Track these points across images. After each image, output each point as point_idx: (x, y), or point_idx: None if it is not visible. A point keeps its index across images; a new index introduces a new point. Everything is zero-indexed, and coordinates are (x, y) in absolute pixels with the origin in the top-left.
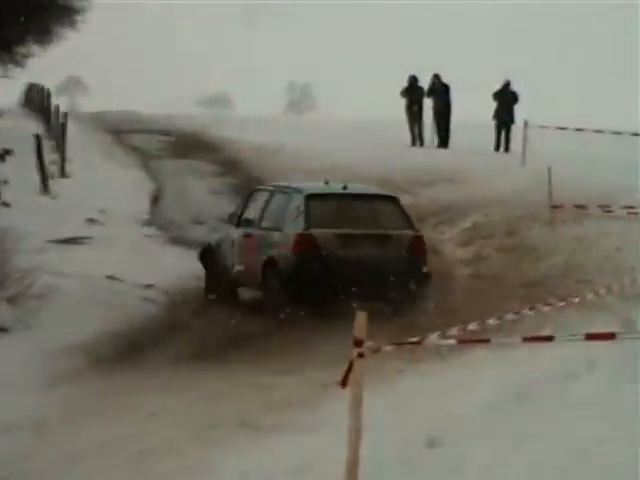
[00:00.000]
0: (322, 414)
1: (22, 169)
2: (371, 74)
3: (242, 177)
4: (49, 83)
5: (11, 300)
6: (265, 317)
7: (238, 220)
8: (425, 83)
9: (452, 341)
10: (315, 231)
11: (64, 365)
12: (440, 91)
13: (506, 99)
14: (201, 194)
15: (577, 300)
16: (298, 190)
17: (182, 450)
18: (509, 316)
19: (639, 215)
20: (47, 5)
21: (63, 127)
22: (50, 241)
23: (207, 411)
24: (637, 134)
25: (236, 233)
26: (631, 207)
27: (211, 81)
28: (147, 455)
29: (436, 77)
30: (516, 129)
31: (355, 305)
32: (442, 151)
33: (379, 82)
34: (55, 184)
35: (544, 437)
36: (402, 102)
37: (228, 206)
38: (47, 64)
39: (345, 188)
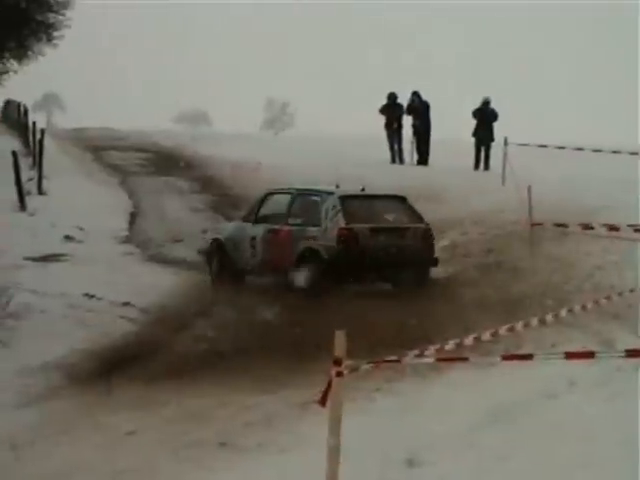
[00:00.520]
0: (302, 433)
1: None
2: (350, 92)
3: (220, 194)
4: (26, 100)
5: None
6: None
7: (255, 218)
8: (404, 100)
9: (430, 359)
10: (354, 225)
11: (41, 383)
12: (420, 108)
13: (485, 116)
14: (180, 211)
15: (554, 319)
16: (329, 192)
17: (159, 470)
18: (488, 335)
19: (620, 233)
20: (24, 21)
21: (40, 144)
22: (27, 258)
23: (186, 430)
24: (618, 152)
25: (256, 229)
26: (613, 226)
27: (190, 98)
28: (124, 475)
29: (415, 94)
30: (496, 147)
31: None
32: (422, 169)
33: (357, 100)
34: (32, 201)
35: (524, 457)
36: (381, 119)
37: (207, 223)
38: (24, 80)
39: (363, 190)
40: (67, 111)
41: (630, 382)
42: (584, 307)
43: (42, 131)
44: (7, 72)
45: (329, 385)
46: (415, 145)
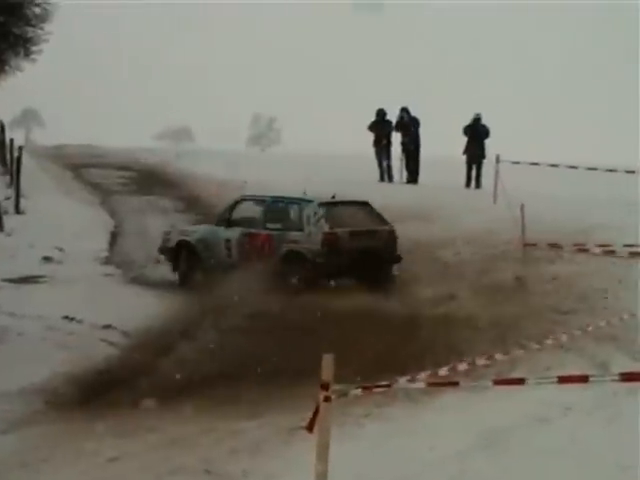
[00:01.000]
0: (289, 459)
1: None
2: (337, 108)
3: (205, 213)
4: (3, 116)
5: None
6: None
7: (228, 222)
8: (393, 117)
9: (421, 384)
10: (336, 230)
11: (19, 409)
12: (409, 125)
13: (477, 133)
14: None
15: (550, 342)
16: (308, 200)
17: None
18: (481, 359)
19: (614, 253)
20: (1, 34)
21: (18, 161)
22: (4, 280)
23: (170, 456)
24: (614, 170)
25: (231, 232)
26: (607, 245)
27: (172, 114)
28: None
29: (405, 110)
30: (488, 164)
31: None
32: (411, 187)
33: (345, 116)
34: (9, 220)
35: None
36: (369, 137)
37: None
38: (1, 96)
39: (334, 197)
40: (46, 128)
41: (627, 406)
42: (583, 330)
43: (20, 148)
44: None
45: (317, 410)
46: (404, 162)
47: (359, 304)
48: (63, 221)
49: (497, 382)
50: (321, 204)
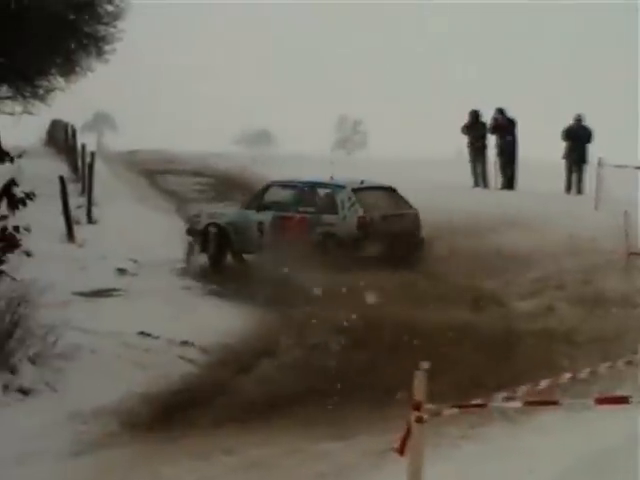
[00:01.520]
0: None
1: (45, 214)
2: (428, 109)
3: None
4: (75, 120)
5: (34, 359)
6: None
7: (259, 206)
8: (488, 118)
9: (518, 403)
10: (369, 214)
11: (93, 430)
12: (505, 127)
13: (578, 136)
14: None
15: None
16: (341, 185)
17: None
18: (582, 375)
19: None
20: (72, 33)
21: (90, 168)
22: (76, 293)
23: None
24: None
25: (263, 215)
26: None
27: (252, 116)
28: None
29: (500, 112)
30: (590, 168)
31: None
32: (507, 193)
33: (436, 118)
34: (81, 230)
35: None
36: (462, 140)
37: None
38: (72, 99)
39: (362, 182)
40: (119, 132)
41: None
42: None
43: (92, 154)
44: (53, 90)
45: (408, 431)
46: (500, 167)
47: (452, 317)
48: (137, 231)
49: (600, 400)
50: (354, 189)
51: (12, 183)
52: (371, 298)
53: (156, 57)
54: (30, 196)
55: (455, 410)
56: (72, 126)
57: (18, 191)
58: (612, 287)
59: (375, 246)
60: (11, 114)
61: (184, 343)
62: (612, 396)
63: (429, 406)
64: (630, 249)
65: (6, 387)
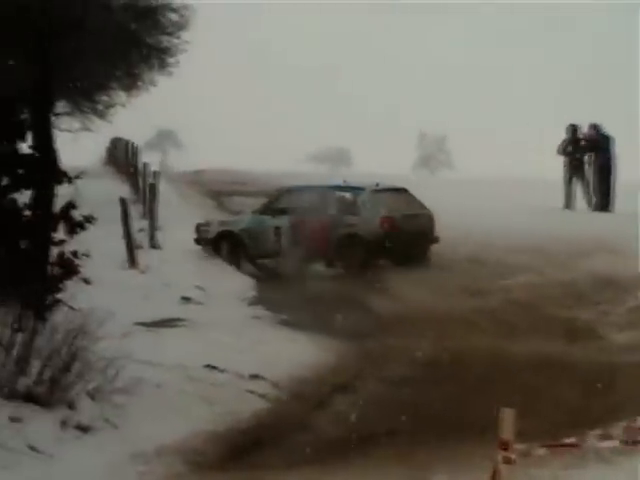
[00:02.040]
0: None
1: (105, 239)
2: (515, 125)
3: None
4: (136, 137)
5: (93, 394)
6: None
7: (274, 211)
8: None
9: (615, 442)
10: (393, 213)
11: (156, 471)
12: (600, 144)
13: None
14: (319, 266)
15: None
16: (360, 188)
17: None
18: None
19: None
20: (133, 45)
21: (153, 189)
22: (138, 323)
23: None
24: None
25: (280, 220)
26: None
27: (327, 133)
28: None
29: (595, 128)
30: None
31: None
32: (603, 215)
33: (524, 134)
34: (143, 256)
35: None
36: (551, 157)
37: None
38: (134, 115)
39: (378, 185)
40: (184, 150)
41: None
42: None
43: (155, 174)
44: (114, 105)
45: (495, 473)
46: (594, 187)
47: (543, 349)
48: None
49: None
50: (374, 191)
51: (70, 206)
52: (453, 325)
53: (223, 69)
54: (89, 219)
55: (546, 450)
56: (134, 144)
57: (77, 214)
58: None
59: (397, 244)
60: (69, 131)
61: (254, 377)
62: None
63: (518, 446)
64: None
65: (64, 423)
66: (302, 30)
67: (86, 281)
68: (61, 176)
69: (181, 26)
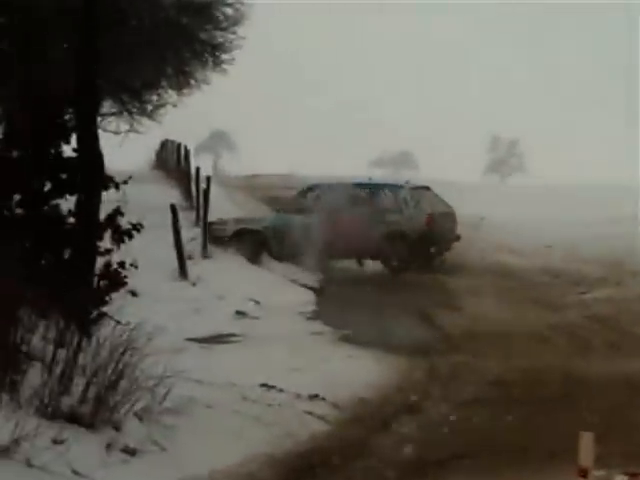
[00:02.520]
0: None
1: (154, 248)
2: (591, 129)
3: None
4: (188, 140)
5: (141, 415)
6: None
7: (300, 210)
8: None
9: None
10: (434, 211)
11: None
12: None
13: None
14: (350, 263)
15: None
16: (399, 185)
17: None
18: None
19: None
20: (185, 41)
21: (205, 195)
22: (189, 339)
23: None
24: None
25: (308, 218)
26: None
27: (390, 137)
28: None
29: None
30: None
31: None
32: None
33: (603, 139)
34: (195, 267)
35: None
36: (633, 162)
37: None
38: (185, 115)
39: (407, 182)
40: (238, 153)
41: None
42: None
43: (208, 179)
44: (164, 105)
45: None
46: None
47: (626, 369)
48: (259, 267)
49: None
50: (412, 189)
51: (117, 213)
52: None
53: (281, 67)
54: (137, 227)
55: (627, 478)
56: (185, 146)
57: (124, 222)
58: None
59: (437, 242)
60: (116, 133)
61: (313, 397)
62: None
63: (597, 473)
64: None
65: (109, 446)
66: (370, 30)
67: (134, 293)
68: (107, 181)
69: (236, 21)
